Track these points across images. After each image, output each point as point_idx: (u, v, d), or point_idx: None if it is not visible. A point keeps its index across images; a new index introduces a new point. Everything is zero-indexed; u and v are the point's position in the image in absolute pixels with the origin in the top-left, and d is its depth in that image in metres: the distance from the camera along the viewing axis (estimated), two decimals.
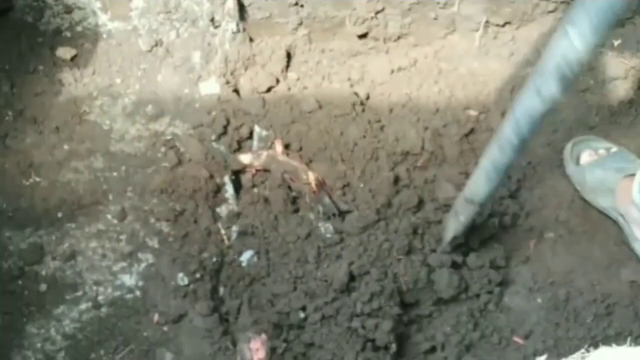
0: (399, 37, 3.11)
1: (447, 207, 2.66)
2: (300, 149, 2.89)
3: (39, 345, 2.50)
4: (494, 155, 2.09)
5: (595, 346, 1.30)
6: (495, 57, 3.10)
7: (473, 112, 3.01)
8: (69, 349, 2.50)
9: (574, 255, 2.71)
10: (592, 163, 2.74)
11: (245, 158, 2.83)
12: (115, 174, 2.77)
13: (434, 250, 2.65)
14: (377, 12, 3.05)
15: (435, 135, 2.93)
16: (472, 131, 2.97)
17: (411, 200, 2.74)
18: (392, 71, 3.09)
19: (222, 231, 2.71)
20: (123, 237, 2.67)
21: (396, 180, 2.80)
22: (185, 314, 2.55)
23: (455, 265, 2.64)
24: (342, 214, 2.75)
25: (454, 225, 2.52)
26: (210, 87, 2.95)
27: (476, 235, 2.66)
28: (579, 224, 2.77)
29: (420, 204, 2.76)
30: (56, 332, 2.52)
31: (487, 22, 3.05)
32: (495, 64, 3.09)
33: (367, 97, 3.04)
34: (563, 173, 2.85)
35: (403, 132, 2.91)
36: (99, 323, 2.54)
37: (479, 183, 2.26)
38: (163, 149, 2.82)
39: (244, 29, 3.04)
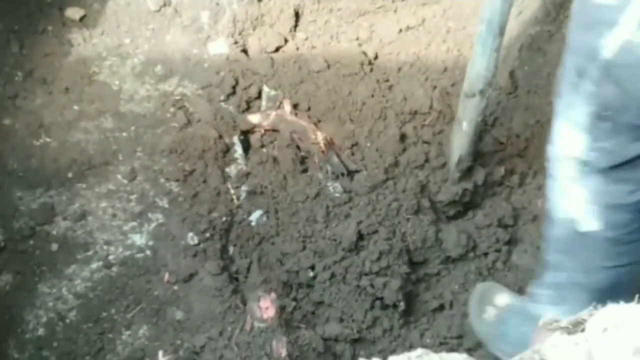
0: None
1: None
2: (309, 108, 2.89)
3: (50, 304, 2.52)
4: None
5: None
6: None
7: None
8: (80, 308, 2.52)
9: None
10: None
11: (254, 118, 2.84)
12: (124, 134, 2.78)
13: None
14: None
15: (444, 94, 2.92)
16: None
17: (418, 157, 2.75)
18: (400, 30, 3.08)
19: (232, 191, 2.73)
20: (133, 197, 2.69)
21: (402, 137, 2.80)
22: (195, 273, 2.56)
23: (465, 194, 2.65)
24: (351, 173, 2.76)
25: (458, 140, 2.52)
26: (219, 47, 2.96)
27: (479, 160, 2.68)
28: None
29: (427, 161, 2.76)
30: (67, 291, 2.55)
31: None
32: None
33: (376, 57, 3.03)
34: None
35: (411, 92, 2.91)
36: (109, 282, 2.56)
37: (475, 64, 2.25)
38: (172, 109, 2.83)
39: None
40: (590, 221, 2.05)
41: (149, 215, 2.67)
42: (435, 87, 2.94)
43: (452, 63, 3.01)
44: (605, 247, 2.08)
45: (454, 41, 3.05)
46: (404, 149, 2.79)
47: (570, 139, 1.97)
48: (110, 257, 2.60)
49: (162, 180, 2.72)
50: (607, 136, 1.90)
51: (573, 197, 2.06)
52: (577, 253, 2.14)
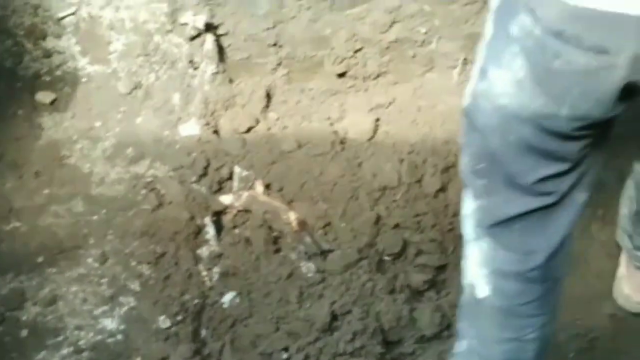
0: (377, 76, 3.12)
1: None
2: (281, 188, 2.89)
3: None
4: None
5: None
6: None
7: (450, 149, 3.01)
8: None
9: None
10: None
11: (226, 199, 2.84)
12: (95, 217, 2.76)
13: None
14: (356, 51, 3.07)
15: (413, 168, 2.93)
16: (452, 165, 2.97)
17: (396, 243, 2.75)
18: (371, 109, 3.10)
19: (204, 273, 2.71)
20: (104, 280, 2.66)
21: (377, 219, 2.80)
22: (167, 357, 2.52)
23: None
24: (324, 253, 2.75)
25: None
26: (190, 128, 2.96)
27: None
28: None
29: (405, 245, 2.77)
30: None
31: (464, 59, 3.07)
32: None
33: (346, 136, 3.04)
34: None
35: (380, 168, 2.92)
36: None
37: None
38: (143, 192, 2.82)
39: (224, 70, 3.06)
40: (482, 287, 2.04)
41: (120, 299, 2.64)
42: (402, 160, 2.94)
43: (423, 140, 3.02)
44: (497, 316, 2.05)
45: (425, 119, 3.07)
46: (379, 231, 2.79)
47: (464, 197, 1.98)
48: (81, 343, 2.55)
49: (133, 263, 2.69)
50: (485, 194, 1.89)
51: (470, 260, 2.05)
52: (474, 321, 2.11)
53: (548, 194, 1.82)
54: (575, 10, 1.44)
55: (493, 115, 1.71)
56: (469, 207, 1.98)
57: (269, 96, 3.09)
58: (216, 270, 2.73)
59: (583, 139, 1.68)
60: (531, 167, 1.75)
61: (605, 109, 1.59)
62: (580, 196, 1.88)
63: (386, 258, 2.78)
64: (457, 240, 2.74)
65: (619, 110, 1.62)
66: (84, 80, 2.99)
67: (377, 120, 3.06)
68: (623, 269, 2.66)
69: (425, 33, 3.05)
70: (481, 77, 1.71)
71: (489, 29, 1.68)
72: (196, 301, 2.63)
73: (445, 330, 2.64)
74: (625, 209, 2.49)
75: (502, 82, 1.65)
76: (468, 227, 2.02)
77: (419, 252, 2.79)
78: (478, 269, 2.03)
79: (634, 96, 1.59)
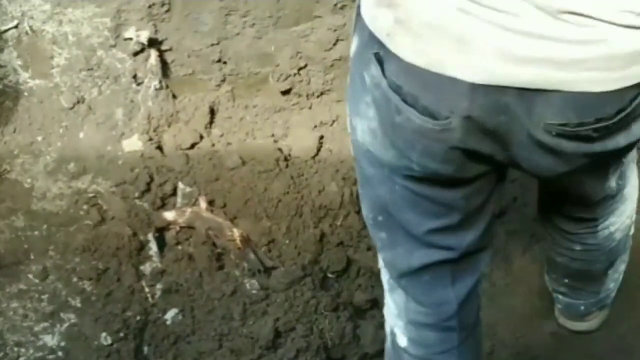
0: (322, 93, 3.13)
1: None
2: (225, 205, 2.88)
3: None
4: None
5: None
6: None
7: None
8: None
9: (497, 308, 2.73)
10: None
11: (169, 215, 2.82)
12: (36, 232, 2.73)
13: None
14: (300, 69, 3.08)
15: (356, 190, 2.94)
16: None
17: (339, 261, 2.77)
18: (315, 127, 3.11)
19: (146, 289, 2.69)
20: (45, 296, 2.63)
21: (322, 237, 2.81)
22: None
23: None
24: (268, 270, 2.74)
25: None
26: (133, 144, 2.94)
27: None
28: (501, 277, 2.79)
29: (349, 263, 2.78)
30: None
31: None
32: None
33: (291, 153, 3.04)
34: None
35: (323, 185, 2.92)
36: None
37: None
38: (85, 207, 2.79)
39: (167, 86, 3.04)
40: (401, 336, 2.06)
41: (61, 315, 2.60)
42: (345, 179, 2.95)
43: None
44: None
45: None
46: (323, 248, 2.80)
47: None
48: (21, 359, 2.52)
49: (74, 279, 2.66)
50: (387, 247, 1.90)
51: (389, 309, 2.08)
52: None
53: (447, 248, 1.83)
54: (411, 68, 1.42)
55: (371, 166, 1.72)
56: (379, 259, 2.00)
57: (212, 112, 3.09)
58: (159, 286, 2.71)
59: (461, 189, 1.68)
60: (421, 217, 1.75)
61: (456, 170, 1.59)
62: (483, 255, 1.91)
63: (330, 275, 2.79)
64: None
65: (479, 171, 1.62)
66: (25, 94, 2.95)
67: (321, 137, 3.07)
68: None
69: None
70: (350, 126, 1.71)
71: (349, 77, 1.68)
72: (138, 318, 2.61)
73: None
74: (545, 252, 2.49)
75: (361, 130, 1.64)
76: (383, 278, 2.04)
77: (362, 270, 2.80)
78: (395, 320, 2.05)
79: (490, 162, 1.59)
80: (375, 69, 1.49)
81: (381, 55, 1.47)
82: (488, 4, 1.31)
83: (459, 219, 1.75)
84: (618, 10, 1.29)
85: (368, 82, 1.54)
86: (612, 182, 1.90)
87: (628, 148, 1.59)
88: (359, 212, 2.88)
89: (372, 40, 1.48)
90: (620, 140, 1.49)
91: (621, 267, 2.40)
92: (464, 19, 1.34)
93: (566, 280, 2.43)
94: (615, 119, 1.42)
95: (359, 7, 1.55)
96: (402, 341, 2.05)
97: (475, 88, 1.39)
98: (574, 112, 1.40)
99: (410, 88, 1.45)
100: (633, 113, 1.43)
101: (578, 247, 2.21)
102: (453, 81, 1.38)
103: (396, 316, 2.04)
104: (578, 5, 1.28)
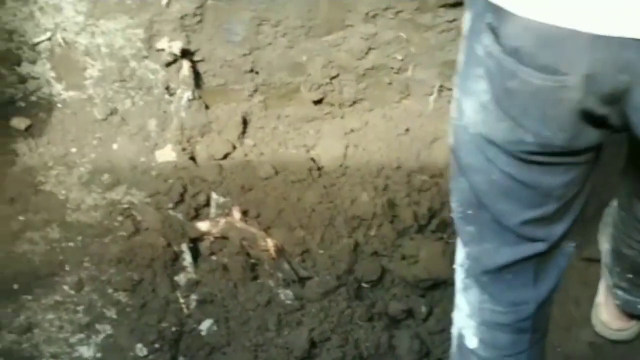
0: (354, 102, 3.13)
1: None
2: (258, 215, 2.88)
3: None
4: None
5: None
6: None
7: (425, 177, 3.01)
8: None
9: None
10: None
11: (203, 225, 2.82)
12: (71, 244, 2.74)
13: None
14: (332, 78, 3.07)
15: (387, 197, 2.93)
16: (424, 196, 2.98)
17: (374, 271, 2.76)
18: (347, 136, 3.11)
19: (181, 300, 2.69)
20: (80, 308, 2.63)
21: (355, 246, 2.80)
22: None
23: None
24: (302, 280, 2.74)
25: None
26: (167, 154, 2.95)
27: None
28: None
29: (383, 272, 2.77)
30: None
31: (440, 86, 3.08)
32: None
33: (323, 163, 3.04)
34: None
35: (356, 195, 2.92)
36: None
37: None
38: (120, 218, 2.80)
39: (200, 96, 3.05)
40: (471, 338, 2.04)
41: (97, 326, 2.61)
42: (376, 189, 2.95)
43: (398, 168, 3.02)
44: None
45: (400, 146, 3.07)
46: (357, 258, 2.80)
47: (457, 246, 1.97)
48: None
49: (109, 290, 2.67)
50: (474, 242, 1.88)
51: (460, 310, 2.05)
52: None
53: (538, 241, 1.81)
54: (529, 24, 1.41)
55: (473, 151, 1.69)
56: (459, 255, 1.97)
57: (245, 122, 3.09)
58: (194, 297, 2.70)
59: (562, 173, 1.66)
60: (517, 207, 1.73)
61: (570, 136, 1.56)
62: (569, 247, 1.88)
63: (364, 285, 2.78)
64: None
65: (590, 141, 1.59)
66: (59, 106, 2.97)
67: (354, 147, 3.07)
68: (601, 296, 2.66)
69: (401, 60, 3.06)
70: (457, 110, 1.69)
71: (460, 57, 1.66)
72: (174, 329, 2.61)
73: (425, 358, 2.64)
74: (606, 244, 2.48)
75: (471, 110, 1.63)
76: (458, 277, 2.01)
77: (396, 280, 2.79)
78: (466, 320, 2.03)
79: (604, 126, 1.55)
80: (487, 38, 1.50)
81: (494, 25, 1.47)
82: None
83: (555, 208, 1.72)
84: None
85: (480, 52, 1.54)
86: None
87: None
88: (392, 221, 2.88)
89: (485, 10, 1.49)
90: None
91: None
92: None
93: (630, 275, 2.40)
94: None
95: None
96: (472, 343, 2.03)
97: (596, 40, 1.37)
98: None
99: (529, 46, 1.44)
100: None
101: None
102: (574, 34, 1.37)
103: (468, 317, 2.01)
104: None
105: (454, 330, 2.09)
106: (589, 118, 1.51)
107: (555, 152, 1.60)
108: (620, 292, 2.49)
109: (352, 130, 3.12)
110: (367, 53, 3.05)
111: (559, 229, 1.79)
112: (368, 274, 2.78)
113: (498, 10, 1.45)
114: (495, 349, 2.02)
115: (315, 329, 2.57)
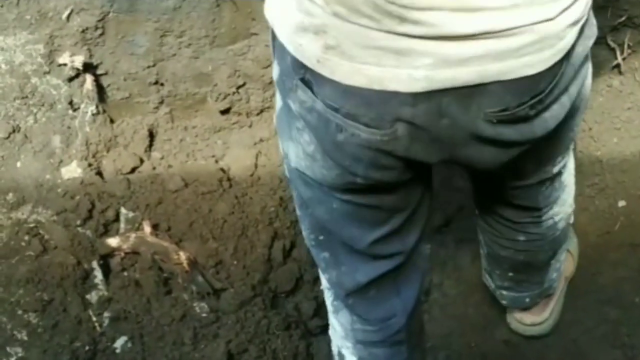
0: (261, 111, 3.11)
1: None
2: (169, 228, 2.84)
3: None
4: None
5: None
6: None
7: None
8: None
9: (450, 318, 2.73)
10: None
11: (113, 241, 2.77)
12: None
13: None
14: (239, 87, 3.05)
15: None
16: None
17: (290, 281, 2.75)
18: (256, 144, 3.09)
19: (94, 318, 2.64)
20: None
21: (269, 256, 2.78)
22: None
23: None
24: (217, 292, 2.71)
25: None
26: (73, 171, 2.89)
27: None
28: (452, 287, 2.80)
29: (298, 281, 2.76)
30: None
31: None
32: None
33: (233, 173, 3.02)
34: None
35: (267, 204, 2.90)
36: None
37: None
38: (27, 238, 2.73)
39: (104, 110, 3.00)
40: (349, 356, 2.06)
41: (8, 349, 2.55)
42: (281, 199, 2.95)
43: None
44: None
45: None
46: (271, 267, 2.78)
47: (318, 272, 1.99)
48: None
49: (19, 311, 2.60)
50: (331, 267, 1.91)
51: (335, 330, 2.08)
52: None
53: (392, 255, 1.83)
54: (350, 89, 1.43)
55: (307, 187, 1.72)
56: (322, 281, 1.99)
57: (152, 135, 3.05)
58: (106, 314, 2.66)
59: (401, 192, 1.70)
60: (364, 229, 1.77)
61: (400, 176, 1.61)
62: (425, 249, 1.91)
63: (280, 295, 2.76)
64: None
65: (418, 173, 1.66)
66: None
67: (263, 155, 3.05)
68: None
69: None
70: (283, 150, 1.72)
71: (276, 101, 1.69)
72: (87, 348, 2.57)
73: None
74: (481, 249, 2.52)
75: (295, 155, 1.65)
76: (327, 300, 2.04)
77: (312, 287, 2.78)
78: (342, 341, 2.05)
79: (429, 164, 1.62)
80: (304, 94, 1.50)
81: (308, 79, 1.47)
82: (417, 18, 1.32)
83: (401, 221, 1.76)
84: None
85: (296, 108, 1.54)
86: (550, 166, 1.92)
87: (565, 123, 1.63)
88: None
89: (296, 66, 1.48)
90: (557, 111, 1.55)
91: (562, 256, 2.44)
92: (398, 37, 1.35)
93: (511, 274, 2.44)
94: (547, 91, 1.46)
95: (273, 32, 1.55)
96: None
97: (417, 96, 1.40)
98: (512, 96, 1.44)
99: (351, 107, 1.45)
100: (561, 83, 1.49)
101: (522, 238, 2.22)
102: (395, 94, 1.40)
103: (343, 338, 2.03)
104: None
105: (334, 349, 2.13)
106: (417, 159, 1.56)
107: (387, 185, 1.65)
108: (505, 292, 2.54)
109: (261, 140, 3.10)
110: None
111: (411, 239, 1.84)
112: (283, 283, 2.76)
113: (311, 70, 1.45)
114: None
115: (232, 341, 2.56)
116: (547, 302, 2.60)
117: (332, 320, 2.07)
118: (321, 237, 1.83)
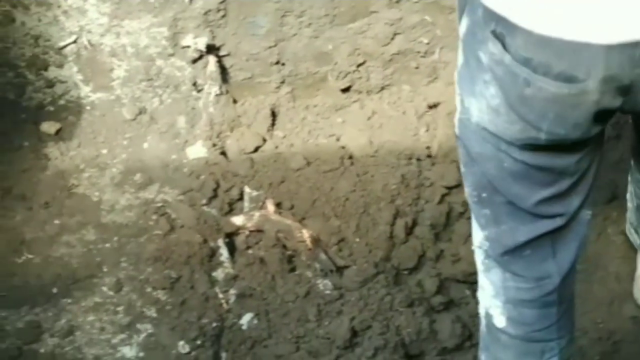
0: (382, 89, 3.12)
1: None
2: (292, 207, 2.87)
3: None
4: None
5: None
6: None
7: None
8: None
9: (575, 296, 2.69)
10: None
11: (237, 220, 2.82)
12: (108, 245, 2.74)
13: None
14: (359, 65, 3.07)
15: (416, 181, 2.92)
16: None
17: (412, 258, 2.76)
18: (376, 122, 3.09)
19: (220, 295, 2.68)
20: (120, 308, 2.63)
21: (392, 233, 2.79)
22: None
23: None
24: (340, 269, 2.73)
25: None
26: (197, 151, 2.95)
27: None
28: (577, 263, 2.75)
29: (420, 258, 2.76)
30: None
31: None
32: None
33: (354, 151, 3.03)
34: None
35: (388, 181, 2.91)
36: None
37: None
38: (154, 217, 2.80)
39: (227, 91, 3.05)
40: (499, 317, 2.03)
41: (138, 326, 2.61)
42: (405, 174, 2.94)
43: (429, 152, 3.01)
44: (516, 345, 2.04)
45: (432, 130, 3.06)
46: (394, 244, 2.79)
47: (472, 228, 1.96)
48: None
49: (148, 289, 2.67)
50: (491, 224, 1.88)
51: (484, 290, 2.05)
52: (495, 351, 2.11)
53: (556, 216, 1.81)
54: (541, 39, 1.44)
55: (482, 143, 1.71)
56: (477, 238, 1.97)
57: (274, 115, 3.09)
58: (232, 292, 2.70)
59: (574, 154, 1.69)
60: (531, 189, 1.75)
61: (583, 132, 1.60)
62: (586, 215, 1.88)
63: (403, 272, 2.77)
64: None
65: (599, 129, 1.64)
66: (88, 108, 2.98)
67: (384, 133, 3.05)
68: None
69: (428, 43, 3.06)
70: (461, 106, 1.72)
71: (459, 57, 1.68)
72: (214, 324, 2.60)
73: (467, 341, 2.62)
74: (629, 203, 2.50)
75: (478, 110, 1.65)
76: (478, 258, 2.01)
77: (435, 264, 2.78)
78: (492, 300, 2.03)
79: (611, 116, 1.61)
80: (494, 46, 1.52)
81: (500, 32, 1.50)
82: None
83: (568, 184, 1.75)
84: None
85: (486, 60, 1.56)
86: None
87: None
88: (423, 209, 2.87)
89: (487, 18, 1.51)
90: None
91: None
92: None
93: None
94: None
95: None
96: (500, 321, 2.03)
97: (610, 48, 1.41)
98: None
99: (542, 58, 1.47)
100: None
101: None
102: (587, 45, 1.41)
103: (493, 297, 2.01)
104: None
105: (481, 310, 2.10)
106: (604, 112, 1.56)
107: (567, 143, 1.64)
108: None
109: (381, 117, 3.10)
110: (392, 38, 3.04)
111: (575, 201, 1.80)
112: (405, 260, 2.76)
113: (504, 20, 1.47)
114: (523, 325, 2.02)
115: (356, 318, 2.56)
116: None
117: (482, 279, 2.04)
118: (484, 194, 1.82)
